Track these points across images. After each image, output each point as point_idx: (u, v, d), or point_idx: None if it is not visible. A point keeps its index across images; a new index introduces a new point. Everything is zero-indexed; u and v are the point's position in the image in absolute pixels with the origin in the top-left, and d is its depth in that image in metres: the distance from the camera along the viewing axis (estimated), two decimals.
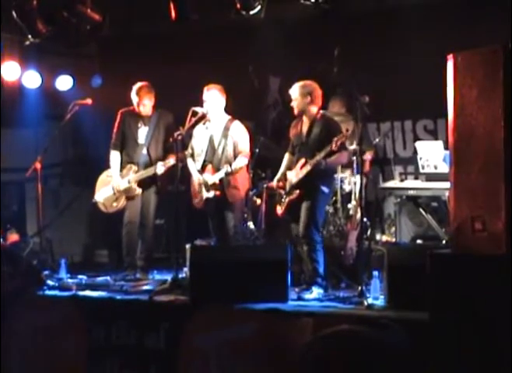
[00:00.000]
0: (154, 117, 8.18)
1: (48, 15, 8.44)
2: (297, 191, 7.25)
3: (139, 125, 8.18)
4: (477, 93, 5.04)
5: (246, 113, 8.55)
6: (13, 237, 9.54)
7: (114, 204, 8.21)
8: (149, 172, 8.03)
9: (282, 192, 7.41)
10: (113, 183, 8.17)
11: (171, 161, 7.86)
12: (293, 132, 7.49)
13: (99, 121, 9.51)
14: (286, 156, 7.59)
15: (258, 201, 8.47)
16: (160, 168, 7.95)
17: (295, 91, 7.27)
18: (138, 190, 8.12)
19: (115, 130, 8.23)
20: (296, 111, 7.31)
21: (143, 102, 8.05)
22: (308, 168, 7.15)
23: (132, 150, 8.20)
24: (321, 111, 7.51)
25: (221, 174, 7.64)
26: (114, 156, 8.22)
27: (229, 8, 7.87)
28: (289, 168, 7.45)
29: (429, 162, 7.86)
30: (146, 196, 8.19)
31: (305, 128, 7.35)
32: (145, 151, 8.15)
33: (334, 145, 6.96)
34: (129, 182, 8.11)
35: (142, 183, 8.12)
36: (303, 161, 7.23)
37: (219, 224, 7.89)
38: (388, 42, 8.82)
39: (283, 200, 7.39)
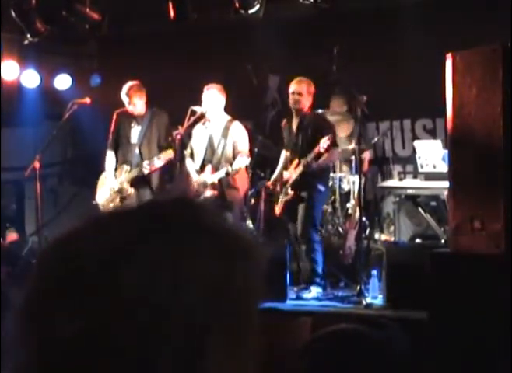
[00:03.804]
0: (147, 116, 8.15)
1: (47, 14, 8.44)
2: (291, 192, 7.27)
3: (132, 125, 8.15)
4: (476, 92, 5.04)
5: (244, 113, 8.55)
6: (12, 236, 9.54)
7: (111, 205, 8.18)
8: (136, 171, 7.99)
9: (279, 192, 7.42)
10: (109, 184, 8.17)
11: (155, 159, 7.83)
12: (284, 128, 7.57)
13: (97, 120, 9.50)
14: (283, 153, 7.62)
15: (252, 201, 8.48)
16: (146, 166, 7.90)
17: (302, 87, 7.25)
18: (130, 190, 8.06)
19: (111, 131, 8.24)
20: (296, 106, 7.29)
21: (133, 101, 8.01)
22: (300, 169, 7.19)
23: (126, 150, 8.18)
24: (320, 111, 7.54)
25: (221, 174, 7.57)
26: (109, 157, 8.21)
27: (227, 7, 7.87)
28: (286, 166, 7.48)
29: (427, 161, 7.86)
30: (141, 196, 8.13)
31: (295, 126, 7.39)
32: (137, 150, 8.12)
33: (321, 147, 6.98)
34: (122, 182, 8.09)
35: (136, 183, 8.08)
36: (296, 161, 7.27)
37: None
38: (387, 41, 8.82)
39: (280, 200, 7.41)
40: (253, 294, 0.84)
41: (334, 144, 7.24)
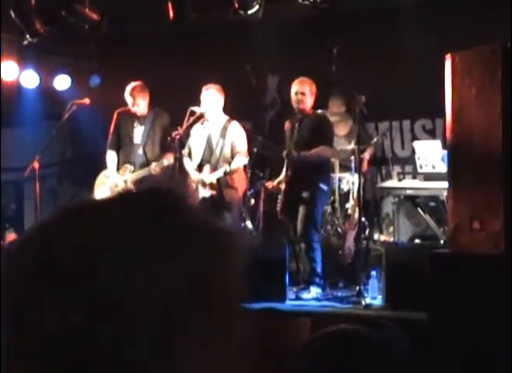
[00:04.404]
0: (150, 117, 8.15)
1: (46, 14, 8.44)
2: (284, 188, 7.33)
3: (135, 125, 8.15)
4: (475, 93, 5.04)
5: (244, 113, 8.55)
6: (11, 236, 9.53)
7: None
8: (145, 172, 8.00)
9: (281, 192, 7.45)
10: (110, 183, 8.15)
11: (165, 161, 7.84)
12: (287, 130, 7.59)
13: (97, 121, 9.50)
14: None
15: (252, 201, 8.48)
16: (155, 168, 7.91)
17: (305, 87, 7.27)
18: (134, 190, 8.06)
19: (111, 130, 8.21)
20: (300, 106, 7.30)
21: (137, 101, 8.01)
22: (285, 161, 7.28)
23: (129, 150, 8.17)
24: (319, 111, 7.54)
25: (219, 173, 7.59)
26: (110, 156, 8.19)
27: (227, 7, 7.87)
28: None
29: (427, 162, 7.86)
30: None
31: (296, 126, 7.41)
32: (141, 151, 8.11)
33: None
34: (126, 182, 8.08)
35: (139, 183, 8.08)
36: None
37: None
38: (387, 41, 8.81)
39: (279, 199, 7.44)
40: (233, 292, 0.84)
41: (328, 142, 7.28)
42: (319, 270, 7.16)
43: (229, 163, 7.59)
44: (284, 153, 7.41)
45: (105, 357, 0.75)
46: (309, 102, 7.31)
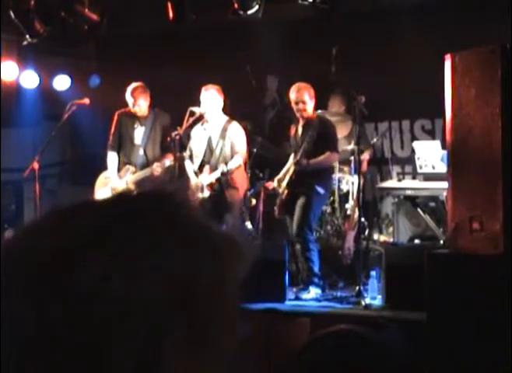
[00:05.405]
0: (150, 117, 8.13)
1: (46, 15, 8.44)
2: (286, 190, 7.31)
3: (136, 126, 8.14)
4: (475, 93, 5.05)
5: (244, 113, 8.54)
6: None
7: None
8: (146, 172, 7.99)
9: (280, 192, 7.44)
10: (111, 185, 8.14)
11: (167, 161, 7.84)
12: (292, 136, 7.58)
13: (97, 121, 9.49)
14: (291, 157, 7.64)
15: (254, 201, 8.47)
16: (157, 169, 7.90)
17: (304, 94, 7.25)
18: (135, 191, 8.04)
19: (112, 131, 8.19)
20: (303, 114, 7.30)
21: (138, 102, 7.99)
22: (292, 167, 7.25)
23: (129, 151, 8.16)
24: (319, 111, 7.54)
25: (217, 174, 7.57)
26: (111, 157, 8.18)
27: (227, 7, 7.87)
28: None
29: (426, 162, 7.86)
30: None
31: (300, 130, 7.41)
32: (141, 151, 8.10)
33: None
34: (126, 183, 8.07)
35: (140, 184, 8.07)
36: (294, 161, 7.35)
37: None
38: (387, 41, 8.81)
39: (278, 199, 7.44)
40: (224, 296, 0.84)
41: (334, 148, 7.29)
42: (316, 269, 7.16)
43: (226, 163, 7.58)
44: (293, 161, 7.40)
45: (94, 359, 0.75)
46: (310, 107, 7.30)
